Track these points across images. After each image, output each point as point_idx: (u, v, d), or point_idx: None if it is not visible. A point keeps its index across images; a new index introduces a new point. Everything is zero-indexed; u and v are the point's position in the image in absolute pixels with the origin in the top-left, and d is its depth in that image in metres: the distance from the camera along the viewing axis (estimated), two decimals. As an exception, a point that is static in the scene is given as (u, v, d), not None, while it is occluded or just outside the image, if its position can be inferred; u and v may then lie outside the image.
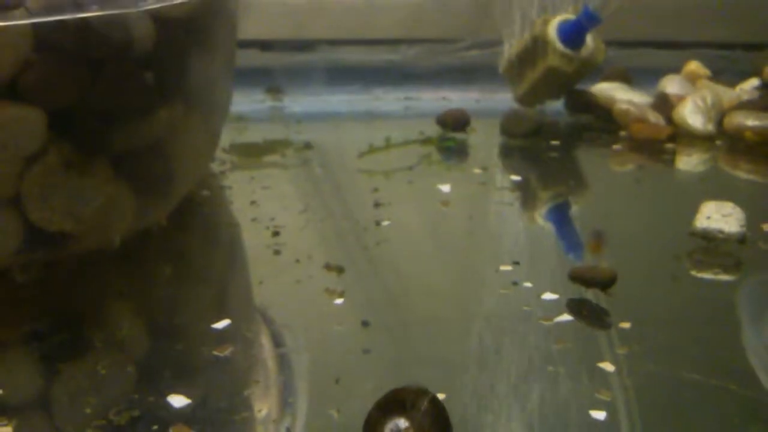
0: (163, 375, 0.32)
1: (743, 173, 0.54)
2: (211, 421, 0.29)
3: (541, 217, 0.47)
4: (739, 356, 0.32)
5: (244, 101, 0.65)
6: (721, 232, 0.40)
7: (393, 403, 0.25)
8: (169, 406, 0.30)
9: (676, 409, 0.30)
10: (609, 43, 0.66)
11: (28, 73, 0.33)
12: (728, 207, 0.42)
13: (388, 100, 0.67)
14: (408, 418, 0.24)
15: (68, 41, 0.33)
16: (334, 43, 0.71)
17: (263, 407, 0.30)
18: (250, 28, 0.68)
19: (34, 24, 0.32)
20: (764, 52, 0.62)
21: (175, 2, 0.36)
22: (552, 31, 0.58)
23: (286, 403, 0.32)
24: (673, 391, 0.30)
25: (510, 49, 0.64)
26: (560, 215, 0.46)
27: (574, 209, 0.45)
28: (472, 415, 0.29)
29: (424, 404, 0.25)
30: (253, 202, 0.46)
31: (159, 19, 0.36)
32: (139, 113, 0.38)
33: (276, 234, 0.42)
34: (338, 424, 0.29)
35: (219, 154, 0.54)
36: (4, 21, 0.32)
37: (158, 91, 0.39)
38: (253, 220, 0.44)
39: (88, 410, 0.28)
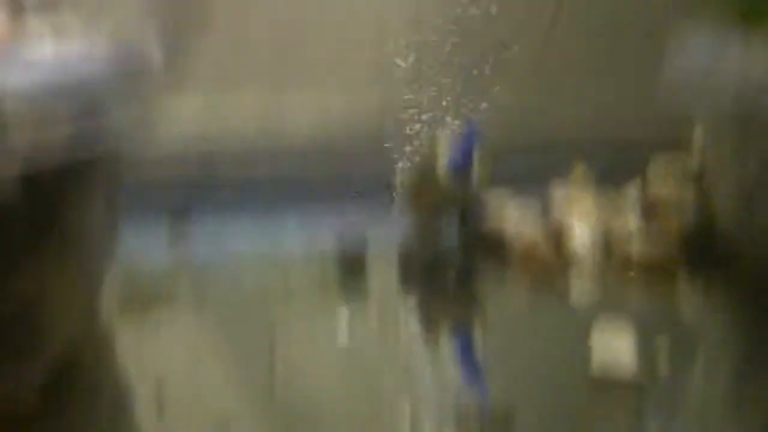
0: None
1: (629, 297, 0.54)
2: None
3: (437, 349, 0.46)
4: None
5: (135, 241, 0.61)
6: (617, 366, 0.39)
7: None
8: None
9: None
10: (503, 151, 0.67)
11: None
12: (620, 332, 0.41)
13: (289, 243, 0.65)
14: None
15: None
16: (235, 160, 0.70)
17: None
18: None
19: None
20: (651, 155, 0.64)
21: (42, 152, 0.34)
22: (442, 155, 0.60)
23: None
24: None
25: (403, 173, 0.65)
26: (465, 349, 0.45)
27: (482, 351, 0.44)
28: None
29: None
30: (138, 360, 0.42)
31: (25, 170, 0.33)
32: (5, 272, 0.35)
33: (162, 391, 0.39)
34: None
35: (103, 306, 0.50)
36: None
37: (25, 247, 0.36)
38: (140, 375, 0.41)
39: None
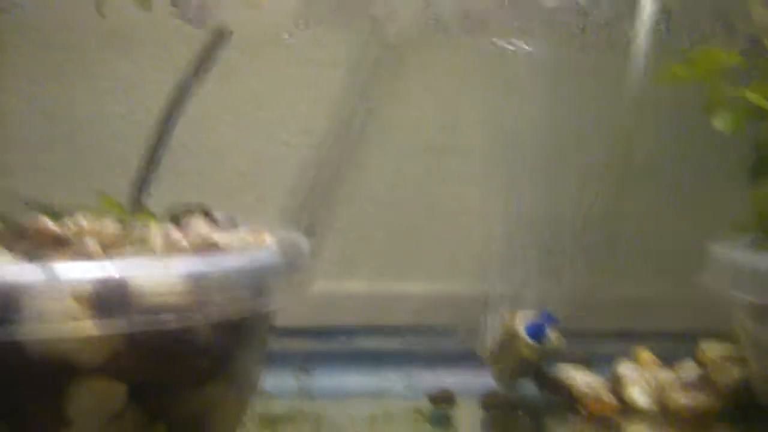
0: None
1: None
2: None
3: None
4: None
5: (272, 380, 0.77)
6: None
7: None
8: None
9: None
10: (575, 332, 0.80)
11: (119, 359, 0.45)
12: None
13: (390, 379, 0.80)
14: None
15: (152, 338, 0.46)
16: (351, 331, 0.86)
17: None
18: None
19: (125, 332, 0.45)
20: (701, 340, 0.75)
21: (229, 314, 0.50)
22: (520, 328, 0.72)
23: None
24: None
25: (489, 339, 0.77)
26: None
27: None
28: None
29: None
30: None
31: (216, 323, 0.48)
32: (193, 388, 0.49)
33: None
34: None
35: (247, 423, 0.65)
36: (106, 327, 0.45)
37: (208, 374, 0.50)
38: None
39: None
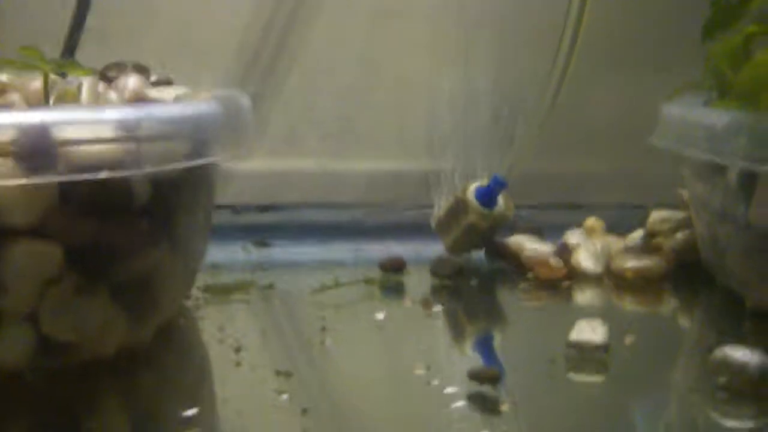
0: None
1: (622, 303, 0.66)
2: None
3: (458, 339, 0.58)
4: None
5: (220, 252, 0.77)
6: (589, 342, 0.51)
7: None
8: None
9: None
10: (524, 206, 0.80)
11: (52, 218, 0.44)
12: (596, 323, 0.52)
13: (342, 251, 0.80)
14: None
15: (86, 195, 0.44)
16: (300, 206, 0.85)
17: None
18: (227, 194, 0.82)
19: (60, 182, 0.43)
20: (649, 210, 0.76)
21: (167, 168, 0.49)
22: (470, 194, 0.71)
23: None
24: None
25: (439, 209, 0.77)
26: (483, 342, 0.57)
27: (488, 332, 0.56)
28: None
29: None
30: (220, 328, 0.56)
31: (154, 180, 0.47)
32: (134, 251, 0.48)
33: (237, 350, 0.52)
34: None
35: (195, 292, 0.64)
36: (36, 180, 0.43)
37: (150, 237, 0.49)
38: (220, 341, 0.54)
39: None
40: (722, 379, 0.45)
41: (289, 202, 0.86)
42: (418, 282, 0.69)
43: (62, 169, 0.42)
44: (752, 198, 0.53)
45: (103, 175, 0.42)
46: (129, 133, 0.43)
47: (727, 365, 0.45)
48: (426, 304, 0.62)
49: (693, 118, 0.58)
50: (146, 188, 0.47)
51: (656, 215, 0.75)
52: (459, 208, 0.73)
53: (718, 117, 0.55)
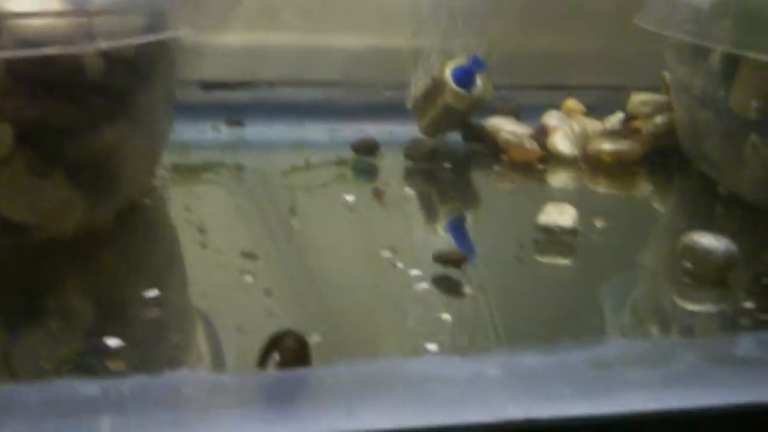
0: (102, 327, 0.41)
1: (596, 186, 0.66)
2: (140, 357, 0.38)
3: (429, 221, 0.57)
4: (569, 315, 0.42)
5: (189, 131, 0.75)
6: (557, 226, 0.50)
7: (272, 343, 0.35)
8: (106, 346, 0.39)
9: (509, 344, 0.40)
10: (503, 86, 0.78)
11: (0, 95, 0.42)
12: (565, 207, 0.51)
13: (315, 131, 0.78)
14: (280, 353, 0.34)
15: (35, 71, 0.42)
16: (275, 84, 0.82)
17: (182, 347, 0.39)
18: (195, 69, 0.79)
19: (6, 59, 0.41)
20: (630, 93, 0.74)
21: (121, 44, 0.46)
22: (447, 74, 0.69)
23: (199, 344, 0.41)
24: (508, 331, 0.39)
25: (415, 89, 0.75)
26: (454, 224, 0.56)
27: (460, 215, 0.55)
28: (336, 348, 0.38)
29: (291, 342, 0.35)
30: (187, 209, 0.55)
31: (108, 56, 0.45)
32: (88, 130, 0.46)
33: (203, 232, 0.51)
34: (239, 361, 0.38)
35: (162, 172, 0.63)
36: None
37: (106, 113, 0.47)
38: (186, 221, 0.53)
39: (42, 357, 0.37)
40: (689, 265, 0.45)
41: (264, 79, 0.84)
42: (392, 165, 0.68)
43: (7, 44, 0.40)
44: (733, 83, 0.52)
45: (52, 50, 0.39)
46: (79, 5, 0.40)
47: (694, 251, 0.45)
48: (378, 194, 0.60)
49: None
50: (99, 64, 0.45)
51: (637, 98, 0.73)
52: (435, 88, 0.71)
53: (705, -3, 0.52)
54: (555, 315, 0.42)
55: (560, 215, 0.50)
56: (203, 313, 0.42)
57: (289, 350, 0.34)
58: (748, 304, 0.42)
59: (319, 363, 0.33)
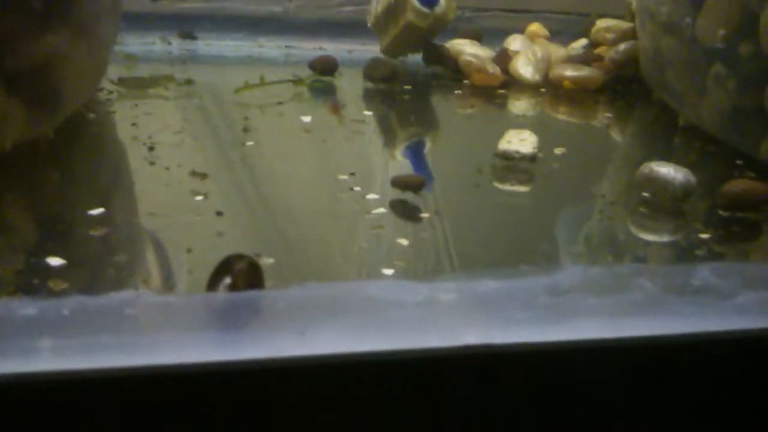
0: (44, 246, 0.39)
1: (557, 113, 0.64)
2: (82, 276, 0.37)
3: (387, 145, 0.56)
4: (525, 242, 0.41)
5: (137, 43, 0.71)
6: (517, 152, 0.49)
7: (223, 266, 0.34)
8: (48, 265, 0.37)
9: (465, 270, 0.39)
10: (467, 7, 0.76)
11: None
12: (525, 133, 0.51)
13: (270, 47, 0.75)
14: (232, 276, 0.32)
15: None
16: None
17: (129, 267, 0.38)
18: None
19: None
20: (595, 19, 0.72)
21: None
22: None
23: (147, 265, 0.39)
24: (464, 257, 0.39)
25: (376, 6, 0.72)
26: (412, 149, 0.55)
27: (419, 140, 0.54)
28: (289, 272, 0.37)
29: (243, 265, 0.33)
30: (134, 124, 0.52)
31: None
32: (26, 37, 0.44)
33: (151, 149, 0.49)
34: (189, 283, 0.36)
35: (107, 85, 0.60)
36: None
37: (45, 20, 0.44)
38: (133, 138, 0.50)
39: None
40: (646, 194, 0.45)
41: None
42: (350, 85, 0.65)
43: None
44: (701, 11, 0.51)
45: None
46: None
47: (651, 181, 0.44)
48: (335, 109, 0.58)
49: None
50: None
51: (601, 24, 0.71)
52: (397, 6, 0.68)
53: None
54: (511, 242, 0.42)
55: (520, 142, 0.49)
56: (151, 233, 0.41)
57: (240, 273, 0.33)
58: (705, 236, 0.42)
59: (272, 287, 0.32)
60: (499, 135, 0.50)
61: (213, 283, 0.33)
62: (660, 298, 0.30)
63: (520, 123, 0.56)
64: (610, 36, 0.68)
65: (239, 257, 0.34)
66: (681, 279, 0.32)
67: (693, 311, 0.29)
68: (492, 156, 0.50)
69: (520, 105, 0.64)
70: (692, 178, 0.44)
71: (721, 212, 0.44)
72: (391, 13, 0.68)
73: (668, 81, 0.56)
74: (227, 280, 0.33)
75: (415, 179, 0.45)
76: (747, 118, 0.48)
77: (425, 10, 0.65)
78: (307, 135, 0.54)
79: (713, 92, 0.50)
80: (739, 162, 0.51)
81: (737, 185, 0.43)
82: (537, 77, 0.65)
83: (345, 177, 0.47)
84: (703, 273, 0.31)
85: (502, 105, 0.63)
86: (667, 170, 0.44)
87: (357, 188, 0.46)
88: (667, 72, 0.56)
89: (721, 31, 0.48)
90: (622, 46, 0.66)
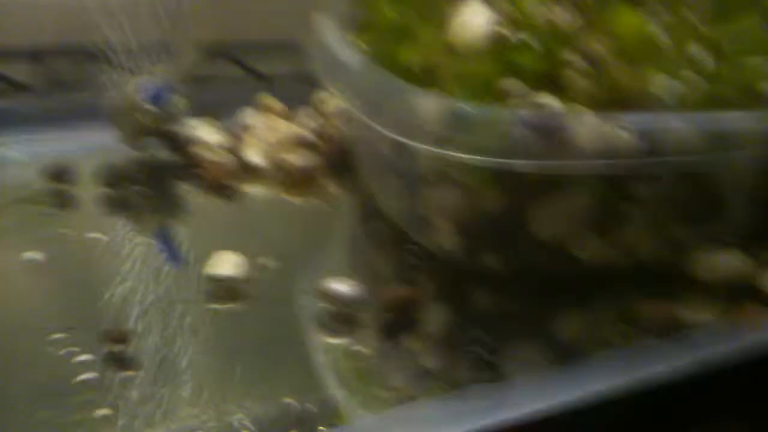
0: None
1: (285, 206, 0.67)
2: None
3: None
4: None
5: None
6: (225, 276, 0.53)
7: None
8: None
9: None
10: (201, 79, 0.78)
11: None
12: (228, 255, 0.54)
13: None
14: None
15: None
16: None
17: None
18: None
19: None
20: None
21: None
22: (135, 94, 0.68)
23: None
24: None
25: (111, 100, 0.73)
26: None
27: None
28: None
29: None
30: None
31: None
32: None
33: None
34: None
35: None
36: None
37: None
38: None
39: None
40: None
41: None
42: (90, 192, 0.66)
43: None
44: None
45: None
46: None
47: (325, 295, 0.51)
48: None
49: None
50: None
51: (325, 97, 0.75)
52: (126, 104, 0.70)
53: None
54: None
55: (223, 264, 0.53)
56: None
57: None
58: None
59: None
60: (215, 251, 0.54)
61: None
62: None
63: (250, 222, 0.59)
64: (332, 113, 0.72)
65: None
66: None
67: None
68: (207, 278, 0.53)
69: (253, 199, 0.67)
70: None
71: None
72: (122, 112, 0.70)
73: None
74: None
75: (120, 331, 0.48)
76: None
77: (153, 109, 0.68)
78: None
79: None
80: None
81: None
82: (265, 161, 0.69)
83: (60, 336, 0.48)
84: None
85: (239, 200, 0.66)
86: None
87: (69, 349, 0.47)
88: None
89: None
90: (343, 127, 0.70)
